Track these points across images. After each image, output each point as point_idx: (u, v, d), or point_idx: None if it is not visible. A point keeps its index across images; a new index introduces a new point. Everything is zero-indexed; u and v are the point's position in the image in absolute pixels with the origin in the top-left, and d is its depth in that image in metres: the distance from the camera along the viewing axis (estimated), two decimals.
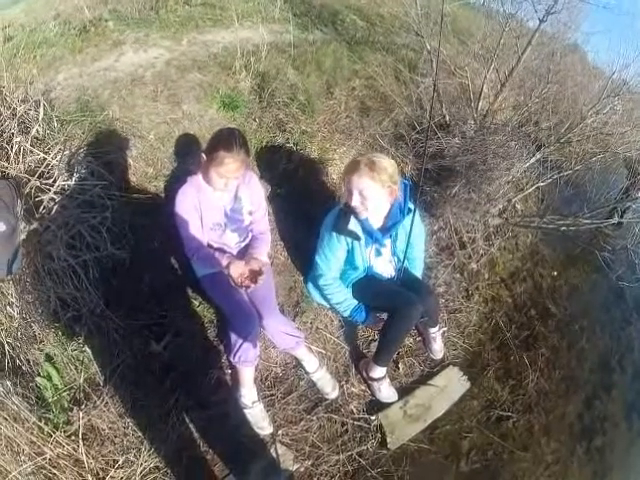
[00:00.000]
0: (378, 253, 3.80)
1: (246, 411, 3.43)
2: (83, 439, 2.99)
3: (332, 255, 3.72)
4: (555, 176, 5.42)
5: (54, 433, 2.93)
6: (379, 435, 3.72)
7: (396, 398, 3.88)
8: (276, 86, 5.28)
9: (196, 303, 3.88)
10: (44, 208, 3.46)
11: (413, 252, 3.94)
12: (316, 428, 3.60)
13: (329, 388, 3.75)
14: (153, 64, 5.13)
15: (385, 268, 3.93)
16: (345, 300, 3.84)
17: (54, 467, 2.84)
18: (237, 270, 3.34)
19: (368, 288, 3.84)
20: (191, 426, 3.35)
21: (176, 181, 3.89)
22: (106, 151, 4.04)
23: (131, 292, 3.73)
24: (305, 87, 5.51)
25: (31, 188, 3.40)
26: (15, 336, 3.19)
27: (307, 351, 3.73)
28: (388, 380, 3.87)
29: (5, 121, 3.59)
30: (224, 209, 3.52)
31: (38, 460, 2.78)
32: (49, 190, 3.47)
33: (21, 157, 3.49)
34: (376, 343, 3.93)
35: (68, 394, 3.23)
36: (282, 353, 3.83)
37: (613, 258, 5.48)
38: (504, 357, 4.63)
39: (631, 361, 5.24)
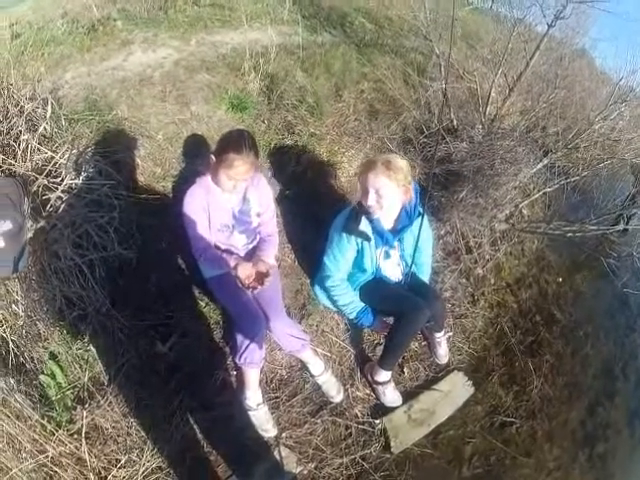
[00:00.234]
0: (387, 256, 3.80)
1: (251, 413, 3.41)
2: (86, 438, 3.00)
3: (341, 256, 3.71)
4: (562, 182, 5.41)
5: (57, 431, 2.94)
6: (383, 439, 3.71)
7: (400, 402, 3.87)
8: (285, 88, 5.28)
9: (202, 304, 3.88)
10: (51, 206, 3.45)
11: (421, 257, 3.93)
12: (320, 431, 3.59)
13: (334, 391, 3.74)
14: (162, 64, 5.14)
15: (393, 271, 3.91)
16: (352, 302, 3.82)
17: (56, 465, 2.84)
18: (245, 272, 3.33)
19: (376, 292, 3.83)
20: (195, 427, 3.35)
21: (184, 182, 3.91)
22: (114, 150, 4.04)
23: (138, 292, 3.73)
24: (314, 89, 5.51)
25: (38, 186, 3.40)
26: (20, 334, 3.19)
27: (313, 354, 3.72)
28: (393, 384, 3.87)
29: (12, 118, 3.58)
30: (232, 211, 3.52)
31: (40, 458, 2.79)
32: (56, 189, 3.46)
33: (28, 155, 3.47)
34: (381, 347, 3.93)
35: (72, 393, 3.22)
36: (287, 355, 3.81)
37: (618, 265, 5.47)
38: (509, 363, 4.61)
39: (634, 368, 5.22)
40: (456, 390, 4.12)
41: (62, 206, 3.49)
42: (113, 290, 3.66)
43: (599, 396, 4.77)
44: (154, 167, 4.26)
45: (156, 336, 3.63)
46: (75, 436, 3.02)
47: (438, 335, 4.18)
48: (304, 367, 3.81)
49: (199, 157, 4.31)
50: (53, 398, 3.07)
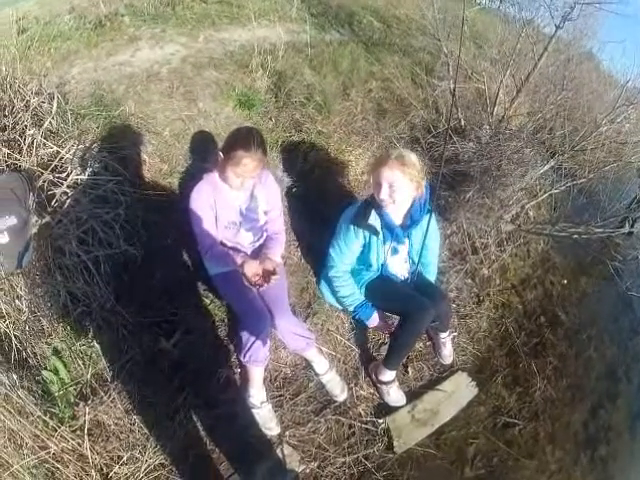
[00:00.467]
0: (395, 251, 3.80)
1: (254, 411, 3.41)
2: (88, 434, 2.99)
3: (347, 248, 3.73)
4: (568, 184, 5.40)
5: (59, 427, 2.93)
6: (386, 439, 3.71)
7: (404, 402, 3.87)
8: (293, 86, 5.29)
9: (207, 301, 3.87)
10: (56, 202, 3.45)
11: (428, 256, 3.94)
12: (323, 430, 3.59)
13: (338, 390, 3.74)
14: (169, 60, 5.15)
15: (399, 268, 3.92)
16: (352, 295, 3.83)
17: (58, 461, 2.84)
18: (251, 269, 3.34)
19: (381, 290, 3.83)
20: (198, 424, 3.34)
21: (191, 178, 3.90)
22: (121, 146, 4.04)
23: (142, 288, 3.73)
24: (322, 88, 5.51)
25: (44, 181, 3.40)
26: (23, 329, 3.18)
27: (317, 353, 3.72)
28: (397, 384, 3.87)
29: (18, 113, 3.59)
30: (239, 208, 3.52)
31: (42, 454, 2.78)
32: (62, 184, 3.46)
33: (34, 150, 3.48)
34: (386, 346, 3.92)
35: (75, 389, 3.22)
36: (292, 354, 3.82)
37: (623, 268, 5.46)
38: (512, 364, 4.61)
39: (637, 371, 5.21)
40: (460, 390, 4.12)
41: (67, 202, 3.49)
42: (118, 286, 3.65)
43: (602, 398, 4.77)
44: (160, 163, 4.26)
45: (160, 333, 3.62)
46: (77, 432, 3.01)
47: (443, 335, 4.18)
48: (308, 365, 3.81)
49: (206, 154, 4.31)
50: (56, 394, 3.06)
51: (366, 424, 3.73)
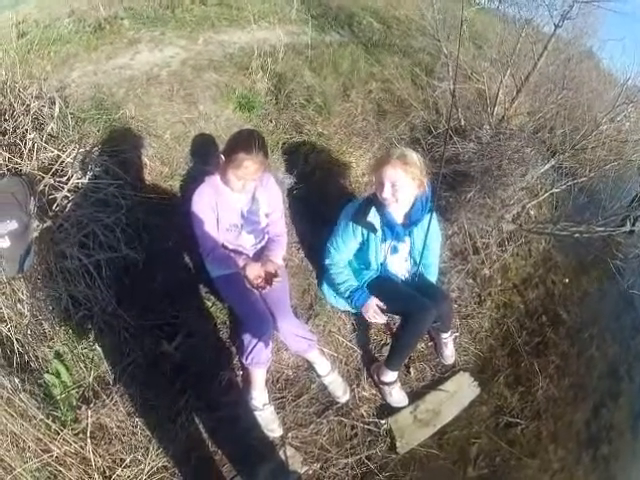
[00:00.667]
0: (395, 250, 3.81)
1: (256, 413, 3.41)
2: (91, 437, 2.98)
3: (344, 244, 3.77)
4: (569, 183, 5.39)
5: (61, 431, 2.93)
6: (388, 439, 3.70)
7: (406, 402, 3.86)
8: (293, 87, 5.30)
9: (209, 304, 3.87)
10: (57, 206, 3.46)
11: (429, 257, 3.94)
12: (326, 431, 3.58)
13: (340, 391, 3.73)
14: (169, 63, 5.16)
15: (400, 268, 3.93)
16: (347, 281, 3.84)
17: (60, 464, 2.83)
18: (253, 271, 3.34)
19: (382, 291, 3.81)
20: (200, 427, 3.34)
21: (191, 181, 3.92)
22: (121, 150, 4.05)
23: (144, 291, 3.73)
24: (322, 89, 5.53)
25: (45, 185, 3.40)
26: (24, 333, 3.18)
27: (319, 354, 3.72)
28: (399, 384, 3.86)
29: (19, 117, 3.60)
30: (241, 210, 3.52)
31: (44, 457, 2.77)
32: (63, 188, 3.47)
33: (35, 154, 3.49)
34: (388, 347, 3.94)
35: (77, 392, 3.22)
36: (294, 355, 3.81)
37: (625, 266, 5.46)
38: (514, 363, 4.60)
39: (639, 370, 5.21)
40: (462, 391, 4.11)
41: (68, 205, 3.50)
42: (119, 289, 3.65)
43: (604, 397, 4.76)
44: (161, 166, 4.26)
45: (162, 336, 3.62)
46: (80, 435, 3.01)
47: (444, 336, 4.18)
48: (310, 367, 3.80)
49: (206, 156, 4.31)
50: (58, 397, 3.07)
51: (368, 425, 3.73)
